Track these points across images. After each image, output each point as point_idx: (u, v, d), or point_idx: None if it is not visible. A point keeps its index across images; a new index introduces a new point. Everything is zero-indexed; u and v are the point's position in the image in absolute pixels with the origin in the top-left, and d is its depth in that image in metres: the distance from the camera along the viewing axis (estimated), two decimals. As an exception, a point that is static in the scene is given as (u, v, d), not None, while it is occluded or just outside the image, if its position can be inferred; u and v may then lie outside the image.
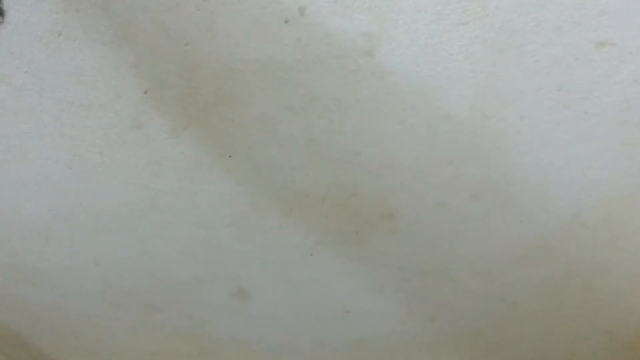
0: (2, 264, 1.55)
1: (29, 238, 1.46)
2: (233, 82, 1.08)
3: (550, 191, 1.28)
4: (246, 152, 1.23)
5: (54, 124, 1.16)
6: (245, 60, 1.04)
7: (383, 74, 1.06)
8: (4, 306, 1.72)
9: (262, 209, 1.37)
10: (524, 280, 1.53)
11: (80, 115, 1.14)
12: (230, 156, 1.23)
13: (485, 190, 1.29)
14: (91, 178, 1.29)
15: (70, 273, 1.58)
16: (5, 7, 0.94)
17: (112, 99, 1.10)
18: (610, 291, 1.53)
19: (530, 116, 1.11)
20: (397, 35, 0.99)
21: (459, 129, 1.15)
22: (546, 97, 1.08)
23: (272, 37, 1.00)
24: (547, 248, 1.42)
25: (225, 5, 0.98)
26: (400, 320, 1.71)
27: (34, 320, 1.77)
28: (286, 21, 0.97)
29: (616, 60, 1.01)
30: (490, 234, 1.40)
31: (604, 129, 1.14)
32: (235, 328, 1.79)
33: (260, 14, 0.98)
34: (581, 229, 1.36)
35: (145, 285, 1.63)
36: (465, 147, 1.19)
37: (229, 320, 1.76)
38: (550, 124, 1.13)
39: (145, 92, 1.09)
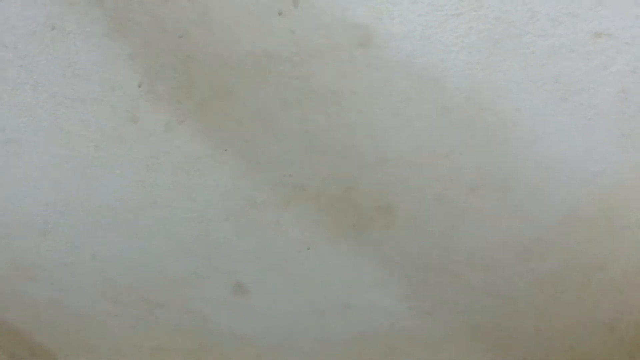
0: (0, 260, 1.55)
1: (27, 234, 1.46)
2: (228, 75, 1.08)
3: (548, 184, 1.28)
4: (242, 146, 1.22)
5: (49, 118, 1.15)
6: (239, 53, 1.03)
7: (379, 66, 1.05)
8: (3, 302, 1.72)
9: (259, 203, 1.36)
10: (522, 275, 1.52)
11: (76, 109, 1.13)
12: (226, 150, 1.23)
13: (483, 183, 1.28)
14: (87, 173, 1.28)
15: (69, 269, 1.58)
16: None
17: (107, 92, 1.10)
18: (610, 285, 1.53)
19: (526, 108, 1.11)
20: (392, 27, 0.99)
21: (456, 122, 1.15)
22: (542, 89, 1.07)
23: (266, 29, 0.99)
24: (545, 242, 1.41)
25: (219, -2, 0.98)
26: (399, 315, 1.71)
27: (34, 317, 1.77)
28: (280, 13, 0.97)
29: (612, 51, 1.01)
30: (488, 228, 1.40)
31: (602, 120, 1.13)
32: (235, 323, 1.79)
33: (253, 6, 0.97)
34: (580, 222, 1.36)
35: (144, 281, 1.63)
36: (462, 139, 1.19)
37: (228, 315, 1.75)
38: (547, 116, 1.12)
39: (139, 86, 1.09)
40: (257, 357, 1.92)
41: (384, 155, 1.23)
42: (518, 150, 1.20)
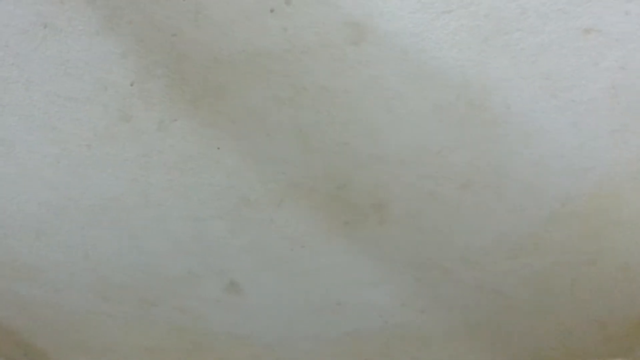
0: (-7, 260, 1.55)
1: (20, 234, 1.46)
2: (220, 73, 1.08)
3: (539, 180, 1.28)
4: (235, 143, 1.23)
5: (42, 117, 1.15)
6: (232, 50, 1.03)
7: (370, 63, 1.06)
8: (-3, 302, 1.72)
9: (252, 201, 1.37)
10: (514, 271, 1.53)
11: (68, 108, 1.13)
12: (219, 148, 1.23)
13: (475, 180, 1.29)
14: (80, 172, 1.28)
15: (63, 268, 1.58)
16: None
17: (99, 91, 1.10)
18: (600, 281, 1.54)
19: (517, 105, 1.11)
20: (383, 24, 0.99)
21: (447, 119, 1.16)
22: (533, 86, 1.08)
23: (259, 27, 1.00)
24: (537, 237, 1.42)
25: (211, -4, 0.99)
26: (393, 312, 1.71)
27: (27, 316, 1.77)
28: (272, 10, 0.97)
29: (602, 47, 1.01)
30: (480, 224, 1.41)
31: (592, 117, 1.14)
32: (229, 322, 1.79)
33: (246, 4, 0.98)
34: (571, 218, 1.37)
35: (138, 280, 1.63)
36: (454, 136, 1.19)
37: (222, 314, 1.76)
38: (538, 113, 1.13)
39: (132, 84, 1.09)
40: (252, 355, 1.92)
41: (377, 153, 1.24)
42: (509, 146, 1.21)
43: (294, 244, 1.49)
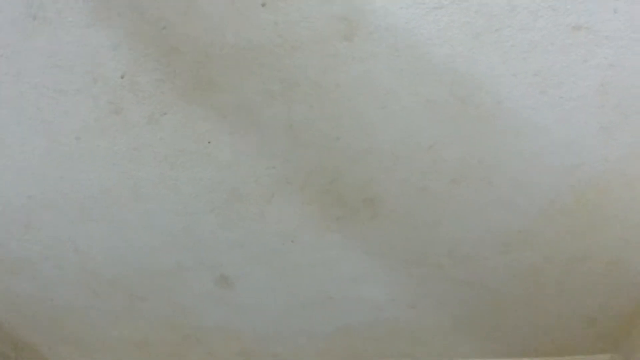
0: (-18, 253, 1.54)
1: (8, 226, 1.45)
2: (211, 67, 1.08)
3: (529, 176, 1.29)
4: (226, 138, 1.22)
5: (31, 109, 1.15)
6: (223, 44, 1.03)
7: (362, 59, 1.06)
8: (-14, 296, 1.71)
9: (243, 196, 1.36)
10: (504, 267, 1.54)
11: (58, 101, 1.13)
12: (209, 142, 1.23)
13: (465, 176, 1.30)
14: (70, 165, 1.28)
15: (52, 262, 1.57)
16: None
17: (89, 83, 1.10)
18: (590, 277, 1.55)
19: (507, 101, 1.12)
20: (375, 20, 0.99)
21: (438, 114, 1.16)
22: (523, 82, 1.08)
23: (250, 20, 0.99)
24: (526, 233, 1.43)
25: (202, -11, 0.98)
26: (383, 307, 1.72)
27: (16, 310, 1.76)
28: (263, 4, 0.97)
29: (591, 45, 1.02)
30: (471, 220, 1.41)
31: (581, 113, 1.14)
32: (220, 316, 1.79)
33: (237, -3, 0.97)
34: (560, 214, 1.37)
35: (127, 274, 1.63)
36: (445, 132, 1.20)
37: (213, 308, 1.76)
38: (528, 109, 1.14)
39: (122, 77, 1.08)
40: (242, 349, 1.92)
41: (368, 148, 1.24)
42: (500, 142, 1.22)
43: (285, 239, 1.49)
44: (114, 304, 1.74)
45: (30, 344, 1.91)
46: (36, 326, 1.84)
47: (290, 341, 1.87)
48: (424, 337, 1.80)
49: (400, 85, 1.11)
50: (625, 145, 1.21)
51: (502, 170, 1.28)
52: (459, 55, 1.04)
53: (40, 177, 1.30)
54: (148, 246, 1.53)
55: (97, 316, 1.78)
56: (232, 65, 1.07)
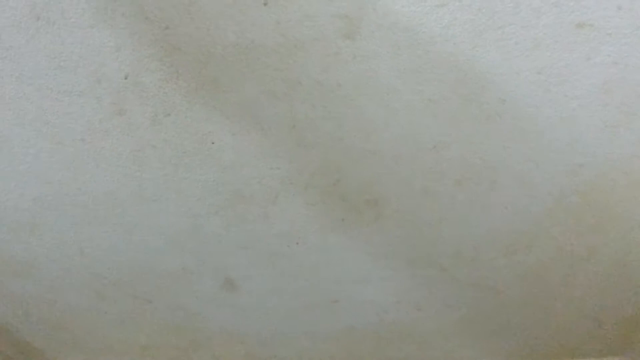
0: (-13, 256, 1.54)
1: (14, 229, 1.45)
2: (214, 67, 1.08)
3: (534, 176, 1.28)
4: (229, 138, 1.22)
5: (35, 111, 1.15)
6: (225, 44, 1.03)
7: (364, 58, 1.06)
8: (-9, 299, 1.71)
9: (247, 197, 1.36)
10: (509, 268, 1.53)
11: (62, 102, 1.13)
12: (213, 143, 1.23)
13: (469, 176, 1.29)
14: (74, 167, 1.28)
15: (57, 264, 1.57)
16: None
17: (92, 84, 1.10)
18: (595, 278, 1.54)
19: (511, 100, 1.11)
20: (377, 18, 0.99)
21: (441, 113, 1.16)
22: (527, 80, 1.08)
23: (252, 20, 1.00)
24: (531, 234, 1.42)
25: (204, -11, 0.98)
26: (388, 309, 1.71)
27: (22, 313, 1.77)
28: (265, 4, 0.97)
29: (595, 42, 1.01)
30: (475, 221, 1.41)
31: (585, 112, 1.14)
32: (225, 319, 1.79)
33: (239, -3, 0.98)
34: (565, 214, 1.37)
35: (132, 277, 1.63)
36: (448, 131, 1.19)
37: (218, 311, 1.75)
38: (532, 108, 1.13)
39: (125, 78, 1.09)
40: (247, 352, 1.92)
41: (371, 148, 1.24)
42: (503, 142, 1.21)
43: (289, 241, 1.49)
44: (119, 307, 1.74)
45: (36, 346, 1.91)
46: (41, 329, 1.84)
47: (295, 343, 1.86)
48: (429, 339, 1.79)
49: (403, 84, 1.11)
50: (629, 143, 1.20)
51: (506, 170, 1.27)
52: (461, 54, 1.04)
53: (44, 179, 1.31)
54: (153, 248, 1.53)
55: (102, 319, 1.78)
56: (235, 65, 1.08)
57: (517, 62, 1.05)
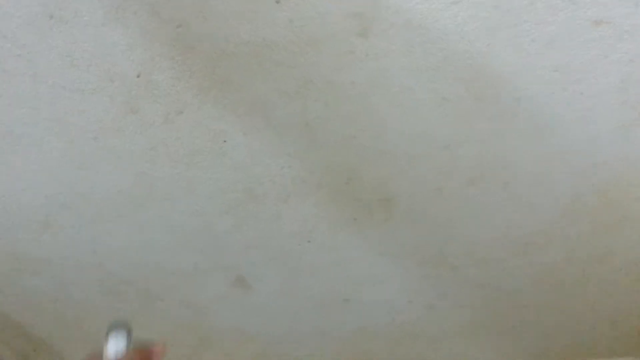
0: (0, 254, 1.55)
1: (27, 227, 1.46)
2: (226, 65, 1.07)
3: (549, 176, 1.27)
4: (241, 137, 1.22)
5: (48, 109, 1.15)
6: (238, 42, 1.03)
7: (377, 56, 1.05)
8: (5, 295, 1.72)
9: (258, 196, 1.36)
10: (523, 268, 1.52)
11: (74, 100, 1.13)
12: (225, 141, 1.23)
13: (483, 175, 1.28)
14: (87, 165, 1.28)
15: (70, 262, 1.58)
16: None
17: (105, 83, 1.10)
18: (611, 277, 1.52)
19: (526, 98, 1.10)
20: (390, 16, 0.98)
21: (455, 112, 1.14)
22: (542, 79, 1.06)
23: (264, 18, 0.99)
24: (545, 234, 1.41)
25: (217, -13, 0.98)
26: (399, 309, 1.71)
27: (35, 310, 1.78)
28: (278, 2, 0.97)
29: (612, 39, 1.00)
30: (488, 220, 1.39)
31: (602, 110, 1.12)
32: (235, 317, 1.79)
33: (251, -5, 0.97)
34: (580, 214, 1.35)
35: (144, 274, 1.63)
36: (462, 130, 1.18)
37: (228, 309, 1.75)
38: (547, 107, 1.12)
39: (138, 76, 1.09)
40: (258, 351, 1.92)
41: (384, 147, 1.23)
42: (518, 141, 1.20)
43: (301, 240, 1.49)
44: (131, 304, 1.74)
45: (49, 343, 1.92)
46: (54, 325, 1.85)
47: (306, 343, 1.86)
48: (441, 339, 1.78)
49: (416, 83, 1.10)
50: (647, 143, 1.19)
51: (521, 169, 1.26)
52: (476, 52, 1.03)
53: (57, 177, 1.31)
54: (164, 247, 1.53)
55: (113, 316, 1.78)
56: (247, 63, 1.07)
57: (532, 60, 1.03)
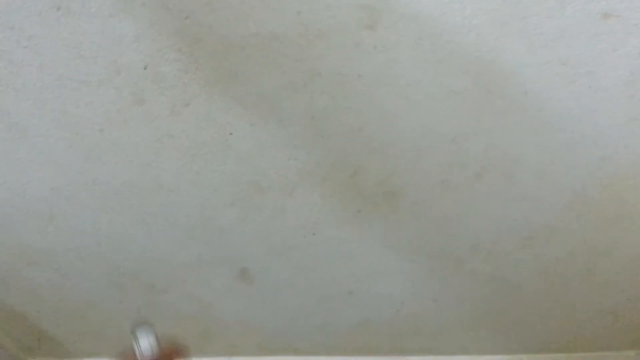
0: (6, 245, 1.55)
1: (32, 218, 1.46)
2: (234, 57, 1.07)
3: (555, 169, 1.27)
4: (247, 129, 1.22)
5: (55, 100, 1.15)
6: (245, 34, 1.03)
7: (385, 48, 1.05)
8: (10, 287, 1.73)
9: (264, 188, 1.36)
10: (527, 261, 1.52)
11: (81, 92, 1.13)
12: (231, 134, 1.22)
13: (489, 169, 1.28)
14: (93, 156, 1.28)
15: (74, 254, 1.58)
16: None
17: (112, 74, 1.10)
18: (615, 271, 1.52)
19: (534, 92, 1.10)
20: (399, 8, 0.98)
21: (462, 105, 1.14)
22: (551, 72, 1.06)
23: (272, 9, 0.99)
24: (551, 227, 1.41)
25: (225, -21, 0.98)
26: (404, 302, 1.71)
27: (39, 302, 1.78)
28: (286, -7, 0.96)
29: (621, 33, 1.00)
30: (494, 214, 1.39)
31: (610, 104, 1.12)
32: (239, 310, 1.79)
33: (260, -14, 0.97)
34: (586, 207, 1.35)
35: (148, 267, 1.63)
36: (469, 123, 1.18)
37: (232, 302, 1.76)
38: (555, 100, 1.12)
39: (145, 68, 1.08)
40: (262, 343, 1.92)
41: (391, 140, 1.23)
42: (525, 134, 1.20)
43: (306, 232, 1.49)
44: (135, 297, 1.74)
45: (51, 335, 1.93)
46: (57, 317, 1.85)
47: (310, 335, 1.86)
48: (445, 332, 1.78)
49: (424, 76, 1.10)
50: (654, 137, 1.19)
51: (527, 162, 1.26)
52: (484, 44, 1.02)
53: (63, 169, 1.31)
54: (169, 239, 1.53)
55: (117, 308, 1.79)
56: (255, 55, 1.07)
57: (541, 52, 1.03)
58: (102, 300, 1.77)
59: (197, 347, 1.96)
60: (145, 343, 0.72)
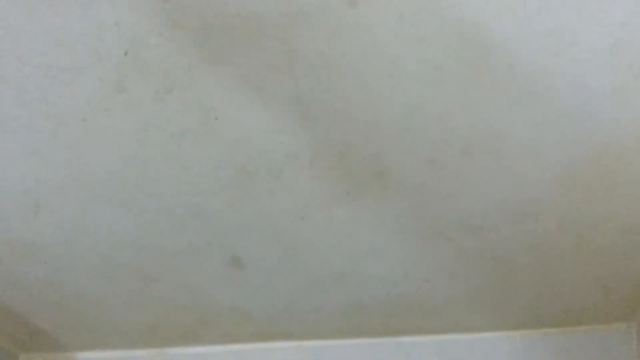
0: (-8, 239, 1.54)
1: (18, 212, 1.44)
2: (215, 40, 1.06)
3: (542, 143, 1.27)
4: (232, 114, 1.21)
5: (36, 90, 1.13)
6: (226, 15, 1.01)
7: (368, 26, 1.04)
8: (-1, 283, 1.71)
9: (251, 173, 1.35)
10: (517, 237, 1.53)
11: (62, 81, 1.11)
12: (216, 118, 1.21)
13: (476, 145, 1.28)
14: (77, 146, 1.27)
15: (63, 246, 1.57)
16: None
17: (93, 62, 1.08)
18: (604, 244, 1.54)
19: (519, 64, 1.09)
20: (380, -16, 0.97)
21: (447, 82, 1.14)
22: (534, 44, 1.06)
23: (253, -11, 0.98)
24: (539, 202, 1.41)
25: (203, -41, 0.96)
26: (396, 282, 1.71)
27: (30, 296, 1.77)
28: (266, -28, 0.95)
29: (604, 3, 0.99)
30: (482, 190, 1.40)
31: (594, 76, 1.12)
32: (232, 296, 1.79)
33: (239, -34, 0.95)
34: (573, 181, 1.36)
35: (139, 256, 1.63)
36: (454, 100, 1.18)
37: (225, 288, 1.76)
38: (540, 73, 1.11)
39: (125, 54, 1.07)
40: (255, 329, 1.93)
41: (376, 119, 1.22)
42: (511, 109, 1.20)
43: (295, 216, 1.49)
44: (126, 287, 1.74)
45: (42, 328, 1.92)
46: (48, 310, 1.84)
47: (303, 319, 1.87)
48: (438, 310, 1.80)
49: (407, 53, 1.09)
50: (638, 108, 1.19)
51: (513, 137, 1.26)
52: (467, 19, 1.02)
53: (47, 159, 1.29)
54: (158, 227, 1.52)
55: (109, 299, 1.78)
56: (236, 37, 1.06)
57: (525, 24, 1.02)
58: (93, 292, 1.76)
59: (192, 335, 1.96)
60: None
